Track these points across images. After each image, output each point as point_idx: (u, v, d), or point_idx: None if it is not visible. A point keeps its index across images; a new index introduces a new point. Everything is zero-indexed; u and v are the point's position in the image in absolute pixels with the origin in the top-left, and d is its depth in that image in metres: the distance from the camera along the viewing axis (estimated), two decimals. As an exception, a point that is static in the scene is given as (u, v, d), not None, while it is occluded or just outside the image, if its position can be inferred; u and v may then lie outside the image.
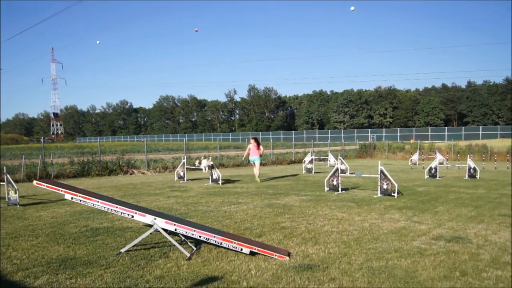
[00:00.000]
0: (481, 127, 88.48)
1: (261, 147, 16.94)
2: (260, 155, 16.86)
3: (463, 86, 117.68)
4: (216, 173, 15.77)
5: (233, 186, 15.15)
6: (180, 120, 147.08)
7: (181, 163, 17.64)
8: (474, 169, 18.02)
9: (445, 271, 5.31)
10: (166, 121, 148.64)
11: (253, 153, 16.64)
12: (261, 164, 17.95)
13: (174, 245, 6.18)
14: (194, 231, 5.95)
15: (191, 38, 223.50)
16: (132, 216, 5.98)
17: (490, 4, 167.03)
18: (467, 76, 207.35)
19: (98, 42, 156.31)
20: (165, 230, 6.05)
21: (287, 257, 5.85)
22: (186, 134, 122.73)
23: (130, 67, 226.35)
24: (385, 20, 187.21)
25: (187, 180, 16.96)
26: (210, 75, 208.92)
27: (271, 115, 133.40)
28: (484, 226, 8.07)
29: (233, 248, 5.95)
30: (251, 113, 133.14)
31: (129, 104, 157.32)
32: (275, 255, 5.83)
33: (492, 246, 6.60)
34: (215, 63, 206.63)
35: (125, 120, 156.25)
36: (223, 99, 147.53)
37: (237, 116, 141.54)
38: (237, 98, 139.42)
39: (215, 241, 5.95)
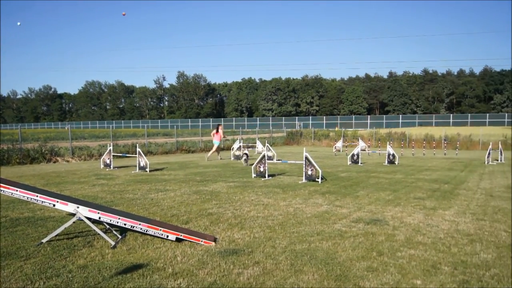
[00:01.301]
0: (400, 115, 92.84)
1: (219, 131, 21.30)
2: (218, 140, 21.31)
3: (385, 77, 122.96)
4: (144, 161, 15.54)
5: (160, 173, 15.00)
6: (107, 107, 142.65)
7: (107, 150, 17.20)
8: (393, 155, 18.96)
9: (363, 252, 5.62)
10: (93, 108, 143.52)
11: (214, 138, 21.40)
12: (191, 151, 19.80)
13: (99, 234, 6.08)
14: (119, 219, 5.88)
15: (117, 22, 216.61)
16: (54, 205, 5.80)
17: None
18: (389, 67, 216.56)
19: (19, 23, 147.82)
20: (89, 219, 5.92)
21: (213, 243, 5.94)
22: (114, 121, 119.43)
23: (53, 50, 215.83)
24: (311, 10, 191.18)
25: (113, 167, 16.56)
26: (138, 60, 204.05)
27: (200, 102, 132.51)
28: (400, 209, 8.56)
29: (159, 235, 5.95)
30: (181, 100, 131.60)
31: (53, 90, 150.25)
32: (201, 241, 5.89)
33: (407, 227, 7.03)
34: (143, 48, 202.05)
35: (49, 106, 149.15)
36: (151, 85, 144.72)
37: (166, 103, 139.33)
38: (166, 84, 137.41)
39: (141, 229, 5.92)
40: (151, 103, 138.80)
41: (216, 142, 21.36)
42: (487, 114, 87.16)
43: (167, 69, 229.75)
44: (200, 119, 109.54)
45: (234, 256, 5.37)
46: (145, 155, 17.40)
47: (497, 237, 6.44)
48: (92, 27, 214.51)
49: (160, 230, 5.91)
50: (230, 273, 4.80)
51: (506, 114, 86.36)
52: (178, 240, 5.95)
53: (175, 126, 37.96)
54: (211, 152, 21.50)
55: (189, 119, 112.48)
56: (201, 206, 8.80)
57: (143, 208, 8.53)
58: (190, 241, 5.93)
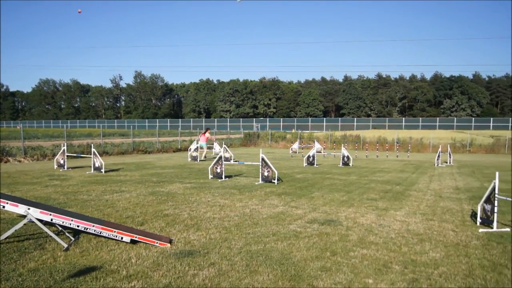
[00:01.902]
0: (355, 118, 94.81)
1: (206, 134, 23.08)
2: (206, 141, 22.93)
3: (340, 80, 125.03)
4: (99, 161, 15.25)
5: (116, 174, 14.76)
6: (62, 106, 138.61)
7: (61, 151, 16.78)
8: (348, 157, 19.34)
9: (317, 252, 5.73)
10: (47, 106, 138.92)
11: (201, 139, 22.87)
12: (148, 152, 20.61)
13: (51, 236, 5.94)
14: (72, 220, 5.77)
15: (73, 19, 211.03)
16: (3, 207, 5.63)
17: (361, 3, 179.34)
18: (344, 71, 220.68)
19: None
20: (41, 221, 5.78)
21: (169, 244, 5.91)
22: (69, 121, 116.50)
23: (6, 47, 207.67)
24: (267, 12, 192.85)
25: (67, 168, 16.16)
26: (94, 59, 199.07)
27: (158, 102, 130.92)
28: (354, 210, 8.77)
29: (113, 237, 5.87)
30: (138, 100, 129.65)
31: (5, 87, 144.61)
32: (157, 243, 5.86)
33: (360, 227, 7.21)
34: (99, 46, 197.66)
35: (1, 105, 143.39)
36: (108, 84, 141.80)
37: (123, 102, 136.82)
38: (122, 84, 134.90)
39: (95, 231, 5.82)
40: (108, 102, 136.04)
41: (202, 144, 22.86)
42: (437, 118, 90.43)
43: (124, 68, 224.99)
44: (157, 120, 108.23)
45: (189, 258, 5.37)
46: (101, 155, 17.10)
47: (445, 237, 6.70)
48: (47, 24, 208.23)
49: (115, 232, 5.84)
50: (186, 274, 4.80)
51: (455, 118, 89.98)
52: (133, 242, 5.90)
53: (131, 127, 37.41)
54: (203, 153, 22.77)
55: (147, 120, 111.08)
56: (157, 207, 8.74)
57: (98, 210, 8.39)
58: (145, 243, 5.89)
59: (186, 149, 28.45)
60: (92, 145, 19.49)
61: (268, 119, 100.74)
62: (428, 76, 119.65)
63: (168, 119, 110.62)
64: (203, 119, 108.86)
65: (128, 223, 7.15)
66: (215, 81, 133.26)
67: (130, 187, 11.53)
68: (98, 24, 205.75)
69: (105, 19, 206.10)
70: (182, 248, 5.82)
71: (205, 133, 23.30)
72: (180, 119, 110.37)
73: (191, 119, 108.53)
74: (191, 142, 30.70)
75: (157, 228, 6.93)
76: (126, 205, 8.90)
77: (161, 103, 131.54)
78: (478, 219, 7.69)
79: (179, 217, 7.78)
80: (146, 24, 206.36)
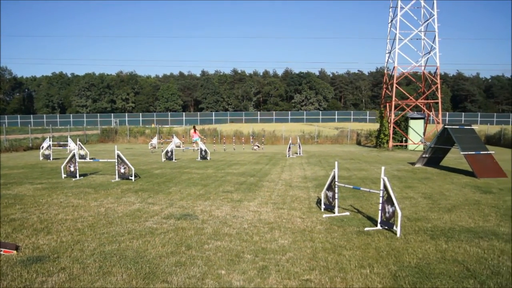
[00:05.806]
0: (213, 113, 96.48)
1: (197, 132, 27.56)
2: (197, 136, 26.95)
3: (198, 75, 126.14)
4: None
5: (-49, 178, 13.33)
6: None
7: None
8: (205, 151, 19.69)
9: (172, 247, 5.84)
10: None
11: (194, 136, 27.00)
12: None
13: None
14: None
15: None
16: None
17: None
18: (202, 66, 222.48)
19: None
20: None
21: (15, 251, 5.59)
22: None
23: None
24: (123, 5, 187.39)
25: None
26: None
27: (6, 97, 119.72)
28: (210, 203, 9.05)
29: (-52, 249, 5.38)
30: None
31: None
32: (1, 251, 5.50)
33: (215, 220, 7.48)
34: None
35: None
36: None
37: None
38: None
39: None
40: None
41: (196, 139, 26.58)
42: (289, 112, 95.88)
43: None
44: (6, 116, 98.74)
45: (38, 264, 5.14)
46: None
47: (293, 224, 7.25)
48: None
49: (-50, 242, 5.36)
50: (33, 282, 4.60)
51: (305, 112, 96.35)
52: (-27, 252, 5.47)
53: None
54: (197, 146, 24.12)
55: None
56: (2, 212, 8.14)
57: None
58: (-13, 252, 5.50)
59: (38, 147, 26.56)
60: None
61: (126, 114, 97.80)
62: (279, 72, 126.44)
63: (18, 115, 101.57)
64: (58, 115, 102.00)
65: (-33, 232, 6.58)
66: (69, 75, 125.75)
67: (-30, 192, 10.54)
68: None
69: None
70: (30, 254, 5.54)
71: (195, 130, 27.30)
72: (32, 115, 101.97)
73: (44, 115, 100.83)
74: (43, 139, 28.65)
75: (2, 234, 6.48)
76: (-35, 212, 8.15)
77: (9, 98, 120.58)
78: (322, 206, 8.42)
79: (28, 221, 7.35)
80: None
